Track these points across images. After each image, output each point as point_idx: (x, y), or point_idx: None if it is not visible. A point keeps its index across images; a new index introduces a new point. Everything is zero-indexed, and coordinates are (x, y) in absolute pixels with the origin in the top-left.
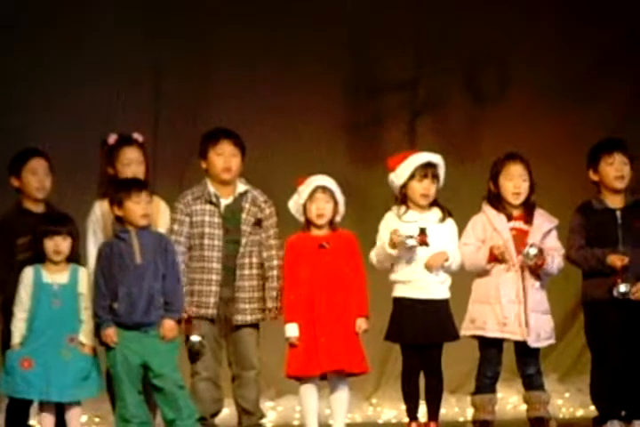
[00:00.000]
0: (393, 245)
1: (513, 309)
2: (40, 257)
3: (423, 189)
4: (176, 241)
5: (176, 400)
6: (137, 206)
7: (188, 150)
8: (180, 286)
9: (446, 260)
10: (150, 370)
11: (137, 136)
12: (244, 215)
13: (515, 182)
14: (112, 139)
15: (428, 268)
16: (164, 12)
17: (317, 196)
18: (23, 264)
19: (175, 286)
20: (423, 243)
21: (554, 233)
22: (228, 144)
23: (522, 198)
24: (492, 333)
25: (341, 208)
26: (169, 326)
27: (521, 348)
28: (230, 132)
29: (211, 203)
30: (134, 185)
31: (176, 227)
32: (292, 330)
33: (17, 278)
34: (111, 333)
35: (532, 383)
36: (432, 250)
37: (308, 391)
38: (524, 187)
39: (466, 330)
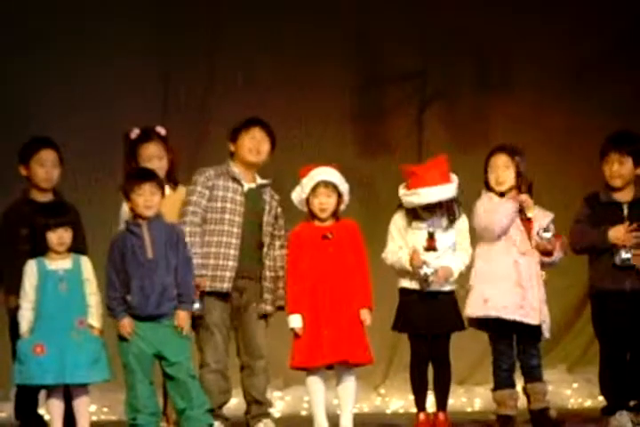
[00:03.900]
0: (413, 265)
1: (528, 293)
2: (41, 249)
3: (428, 217)
4: (193, 212)
5: (188, 390)
6: (139, 198)
7: (196, 140)
8: (191, 278)
9: (451, 277)
10: (164, 359)
11: (159, 129)
12: (267, 207)
13: (497, 172)
14: (134, 133)
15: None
16: (172, 3)
17: (320, 190)
18: (26, 254)
19: (187, 277)
20: (431, 248)
21: (551, 227)
22: (259, 130)
23: (506, 186)
24: (509, 315)
25: (346, 198)
26: (182, 316)
27: (525, 339)
28: (263, 122)
29: (234, 180)
30: (137, 177)
31: (194, 198)
32: (295, 321)
33: (20, 268)
34: (126, 323)
35: (534, 375)
36: (440, 254)
37: (315, 383)
38: (506, 175)
39: (477, 310)
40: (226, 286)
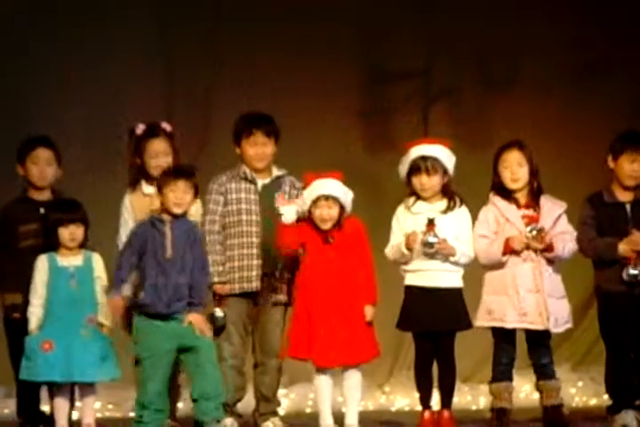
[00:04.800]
0: (409, 247)
1: (532, 298)
2: (52, 245)
3: (419, 183)
4: (211, 220)
5: (206, 376)
6: (171, 194)
7: (200, 137)
8: (205, 280)
9: (452, 255)
10: (184, 348)
11: (165, 126)
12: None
13: (511, 169)
14: (140, 129)
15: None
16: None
17: (321, 202)
18: (25, 252)
19: (201, 279)
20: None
21: (564, 217)
22: (260, 135)
23: (521, 183)
24: (511, 324)
25: (348, 209)
26: (194, 319)
27: (534, 337)
28: (262, 121)
29: (246, 180)
30: (174, 173)
31: (211, 206)
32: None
33: (19, 266)
34: (116, 304)
35: (546, 372)
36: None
37: (323, 381)
38: (521, 172)
39: (482, 321)
40: (254, 285)
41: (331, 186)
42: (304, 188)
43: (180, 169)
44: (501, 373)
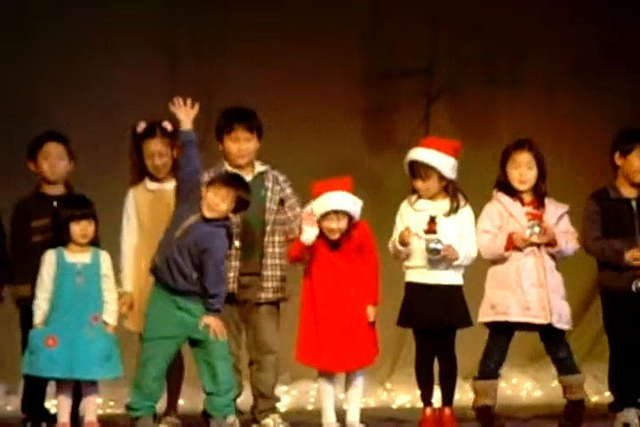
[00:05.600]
0: (402, 242)
1: (535, 292)
2: (62, 240)
3: (417, 187)
4: None
5: (216, 373)
6: (210, 196)
7: (203, 132)
8: (220, 290)
9: (455, 259)
10: (195, 339)
11: (166, 125)
12: (269, 194)
13: (520, 170)
14: (140, 128)
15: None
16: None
17: (330, 216)
18: (38, 246)
19: (220, 285)
20: (431, 231)
21: (566, 217)
22: (242, 131)
23: (528, 185)
24: (515, 317)
25: (357, 217)
26: (210, 321)
27: (547, 333)
28: (244, 116)
29: None
30: (224, 179)
31: None
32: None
33: (32, 260)
34: None
35: (567, 367)
36: (441, 238)
37: (326, 385)
38: (529, 175)
39: (485, 316)
40: (231, 286)
41: (340, 200)
42: (313, 198)
43: (234, 179)
44: (491, 370)
